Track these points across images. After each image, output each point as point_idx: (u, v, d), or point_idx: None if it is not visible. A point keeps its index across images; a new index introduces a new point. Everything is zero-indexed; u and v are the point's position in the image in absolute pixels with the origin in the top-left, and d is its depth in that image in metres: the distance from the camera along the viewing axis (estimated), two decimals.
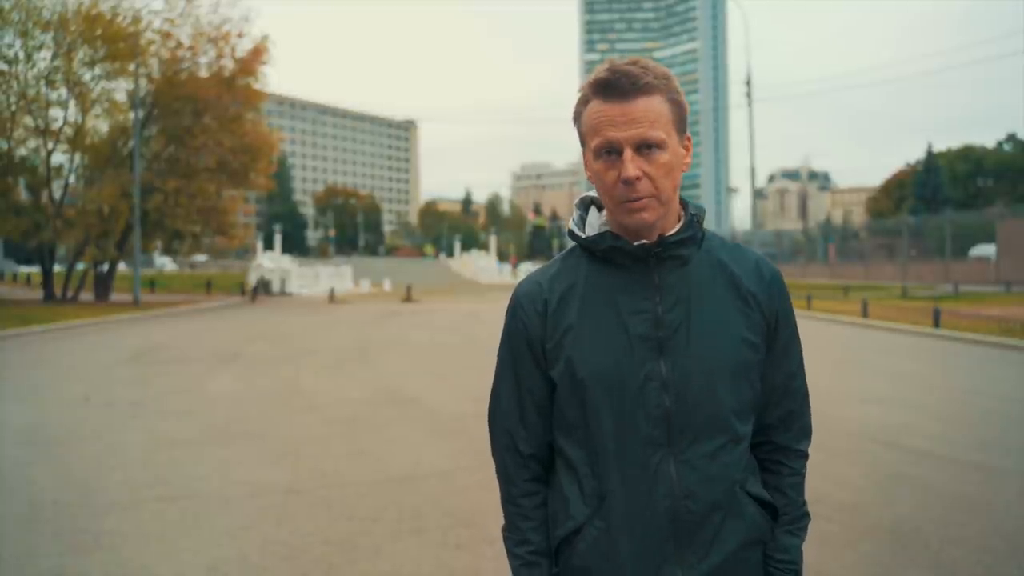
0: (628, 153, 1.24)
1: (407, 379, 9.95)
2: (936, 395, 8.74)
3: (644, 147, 1.25)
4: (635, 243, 1.30)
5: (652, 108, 1.25)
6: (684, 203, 1.36)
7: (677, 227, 1.32)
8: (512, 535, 1.42)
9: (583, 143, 1.34)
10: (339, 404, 8.18)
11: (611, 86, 1.26)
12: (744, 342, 1.32)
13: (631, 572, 1.29)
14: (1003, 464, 5.56)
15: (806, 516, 1.42)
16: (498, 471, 1.46)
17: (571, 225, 1.41)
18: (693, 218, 1.33)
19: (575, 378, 1.31)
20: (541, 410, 1.39)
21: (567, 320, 1.33)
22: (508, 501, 1.43)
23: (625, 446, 1.29)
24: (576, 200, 1.46)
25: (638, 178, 1.24)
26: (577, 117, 1.34)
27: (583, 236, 1.37)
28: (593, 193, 1.45)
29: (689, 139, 1.33)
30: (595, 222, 1.39)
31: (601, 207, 1.41)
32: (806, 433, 1.45)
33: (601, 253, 1.34)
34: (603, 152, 1.27)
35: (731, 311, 1.33)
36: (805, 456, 1.44)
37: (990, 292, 27.87)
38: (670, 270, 1.32)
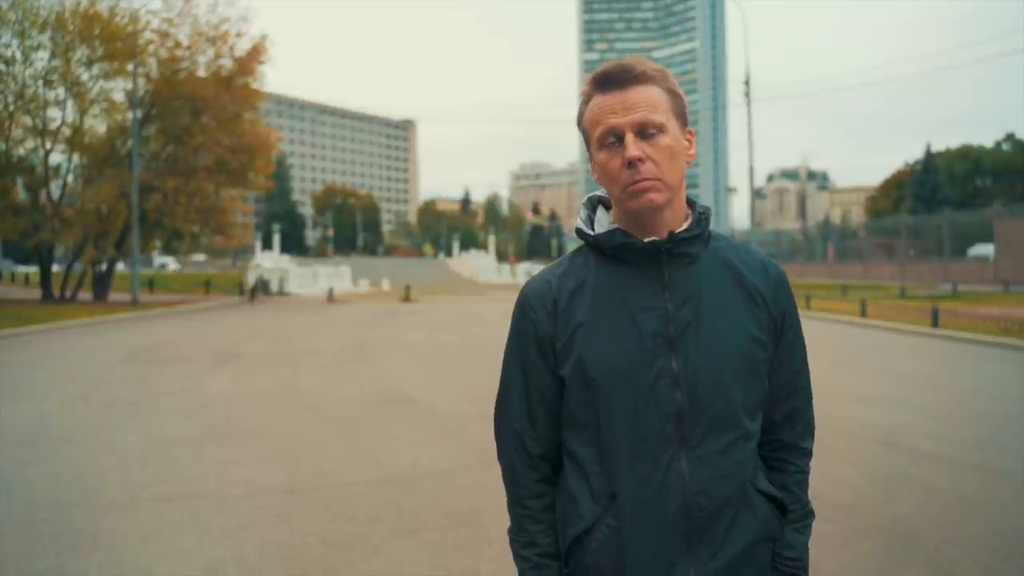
0: (630, 137, 1.26)
1: (406, 379, 9.95)
2: (934, 395, 8.75)
3: (646, 131, 1.26)
4: (645, 240, 1.30)
5: (650, 95, 1.28)
6: (691, 202, 1.37)
7: (687, 224, 1.33)
8: (519, 537, 1.40)
9: (589, 143, 1.34)
10: (337, 404, 8.18)
11: (608, 78, 1.29)
12: (753, 340, 1.33)
13: (643, 570, 1.28)
14: (1001, 464, 5.57)
15: (811, 514, 1.43)
16: (505, 473, 1.43)
17: (579, 223, 1.41)
18: (701, 216, 1.34)
19: (586, 376, 1.30)
20: (550, 410, 1.38)
21: (577, 318, 1.32)
22: (516, 503, 1.41)
23: (636, 443, 1.28)
24: (584, 200, 1.46)
25: (640, 159, 1.25)
26: (580, 118, 1.35)
27: (592, 234, 1.37)
28: (600, 192, 1.44)
29: (691, 133, 1.35)
30: (603, 221, 1.39)
31: (609, 206, 1.41)
32: (810, 431, 1.45)
33: (610, 250, 1.33)
34: (607, 141, 1.28)
35: (740, 309, 1.33)
36: (809, 454, 1.45)
37: (988, 292, 27.91)
38: (679, 268, 1.32)
